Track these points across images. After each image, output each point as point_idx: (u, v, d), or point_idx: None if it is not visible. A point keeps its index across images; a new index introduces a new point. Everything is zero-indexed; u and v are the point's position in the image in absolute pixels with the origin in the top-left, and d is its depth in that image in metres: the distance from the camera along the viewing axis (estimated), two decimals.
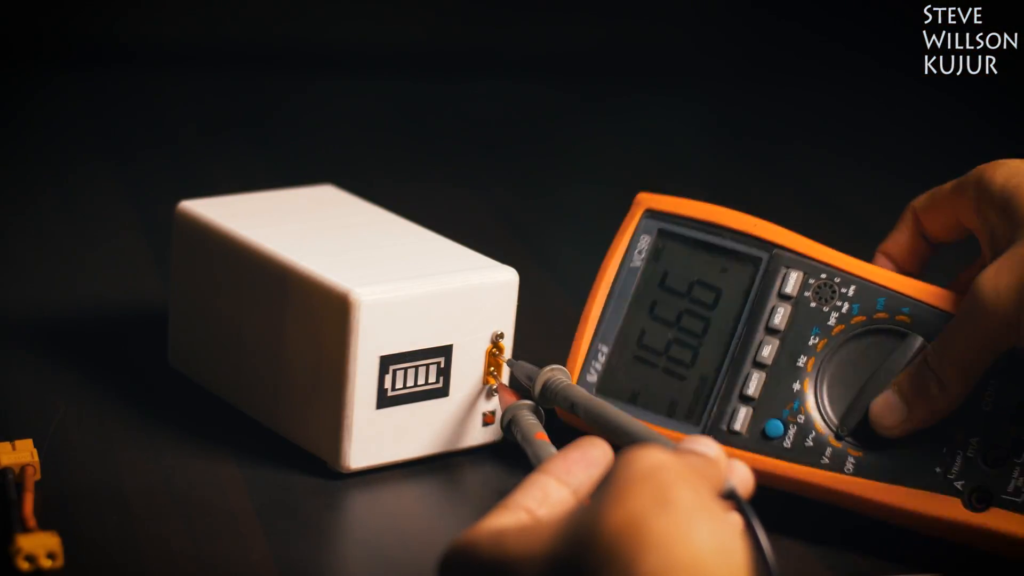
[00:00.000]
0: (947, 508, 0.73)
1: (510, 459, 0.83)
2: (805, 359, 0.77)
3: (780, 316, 0.78)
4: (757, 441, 0.77)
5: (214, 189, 0.97)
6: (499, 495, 0.69)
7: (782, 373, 0.78)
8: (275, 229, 0.86)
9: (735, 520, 0.64)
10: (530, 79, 1.66)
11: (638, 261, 0.83)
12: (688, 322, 0.81)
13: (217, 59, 1.62)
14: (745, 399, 0.77)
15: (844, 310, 0.78)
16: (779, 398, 0.77)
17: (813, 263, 0.79)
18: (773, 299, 0.79)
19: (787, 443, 0.76)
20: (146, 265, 1.10)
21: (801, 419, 0.76)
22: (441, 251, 0.85)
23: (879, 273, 0.79)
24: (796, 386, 0.77)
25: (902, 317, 0.77)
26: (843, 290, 0.78)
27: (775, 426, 0.76)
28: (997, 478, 0.73)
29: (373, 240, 0.86)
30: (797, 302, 0.78)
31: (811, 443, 0.75)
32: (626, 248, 0.83)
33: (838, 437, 0.76)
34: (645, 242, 0.83)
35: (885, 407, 0.75)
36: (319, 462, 0.81)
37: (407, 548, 0.76)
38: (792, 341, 0.78)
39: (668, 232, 0.83)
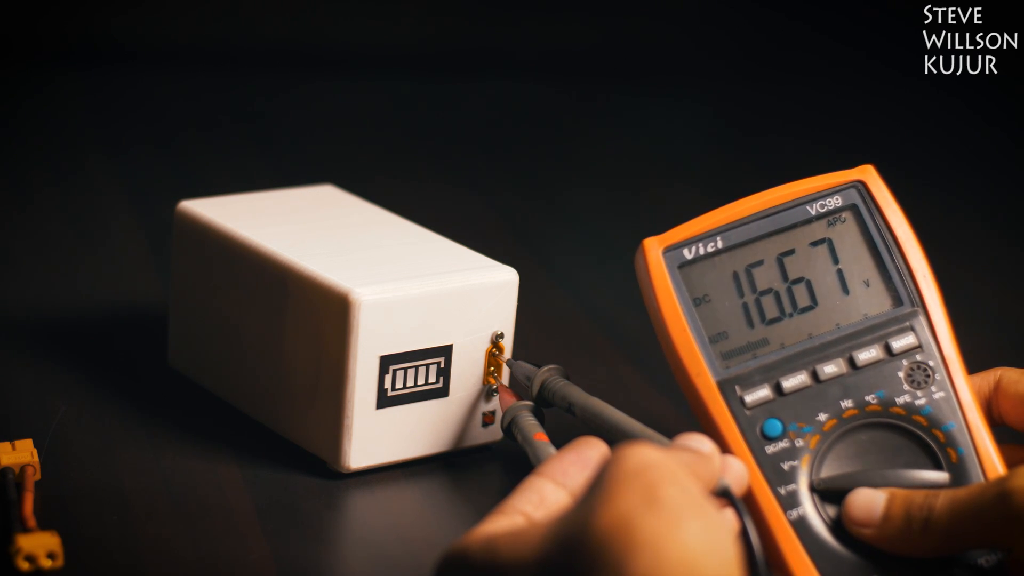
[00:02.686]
0: None
1: (510, 459, 0.83)
2: (848, 406, 0.74)
3: (866, 356, 0.74)
4: (747, 420, 0.73)
5: (214, 189, 0.97)
6: (499, 495, 0.69)
7: (822, 398, 0.74)
8: (275, 229, 0.86)
9: (726, 517, 0.64)
10: (530, 79, 1.66)
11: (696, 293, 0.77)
12: (797, 291, 0.76)
13: (216, 59, 1.62)
14: (776, 387, 0.74)
15: (916, 403, 0.74)
16: (799, 412, 0.73)
17: (930, 348, 0.74)
18: (875, 338, 0.75)
19: (770, 448, 0.73)
20: (146, 265, 1.10)
21: (799, 443, 0.73)
22: (441, 251, 0.85)
23: (970, 400, 0.74)
24: (821, 417, 0.73)
25: (942, 437, 0.73)
26: (932, 387, 0.74)
27: (774, 426, 0.73)
28: None
29: (373, 240, 0.86)
30: (890, 363, 0.74)
31: (786, 468, 0.72)
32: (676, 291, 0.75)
33: (811, 486, 0.72)
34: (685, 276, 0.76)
35: (865, 503, 0.71)
36: (319, 462, 0.81)
37: (407, 548, 0.76)
38: (853, 384, 0.74)
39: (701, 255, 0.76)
